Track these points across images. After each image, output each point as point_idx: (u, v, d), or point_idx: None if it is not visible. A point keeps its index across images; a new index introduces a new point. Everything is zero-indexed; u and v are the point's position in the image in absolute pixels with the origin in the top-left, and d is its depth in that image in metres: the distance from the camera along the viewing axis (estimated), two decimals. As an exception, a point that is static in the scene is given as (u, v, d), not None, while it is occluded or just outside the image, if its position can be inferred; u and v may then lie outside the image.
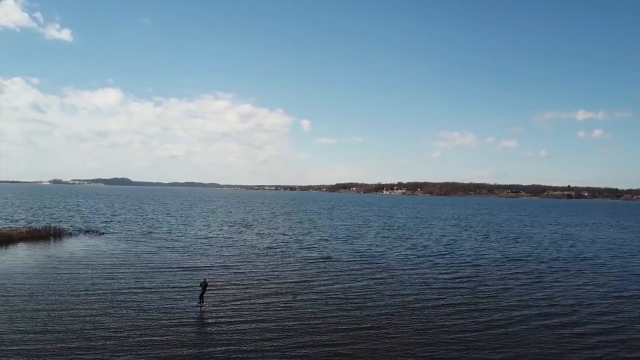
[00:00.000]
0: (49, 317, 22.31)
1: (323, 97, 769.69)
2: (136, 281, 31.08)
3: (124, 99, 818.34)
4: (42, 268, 34.56)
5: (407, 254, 47.07)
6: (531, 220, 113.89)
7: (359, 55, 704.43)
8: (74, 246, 46.35)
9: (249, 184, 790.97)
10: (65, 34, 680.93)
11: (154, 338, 19.99)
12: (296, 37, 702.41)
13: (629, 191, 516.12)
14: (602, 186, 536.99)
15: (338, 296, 28.66)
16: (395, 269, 38.44)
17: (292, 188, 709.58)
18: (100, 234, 56.62)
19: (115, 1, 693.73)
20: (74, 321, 21.83)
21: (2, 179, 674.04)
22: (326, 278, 34.13)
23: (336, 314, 24.57)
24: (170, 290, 28.92)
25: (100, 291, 27.93)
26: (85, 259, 38.81)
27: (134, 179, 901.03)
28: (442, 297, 29.11)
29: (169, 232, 60.74)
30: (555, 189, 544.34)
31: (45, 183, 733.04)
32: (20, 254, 40.89)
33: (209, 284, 25.90)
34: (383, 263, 41.32)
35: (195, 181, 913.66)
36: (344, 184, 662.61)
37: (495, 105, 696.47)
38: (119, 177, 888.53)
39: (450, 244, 56.61)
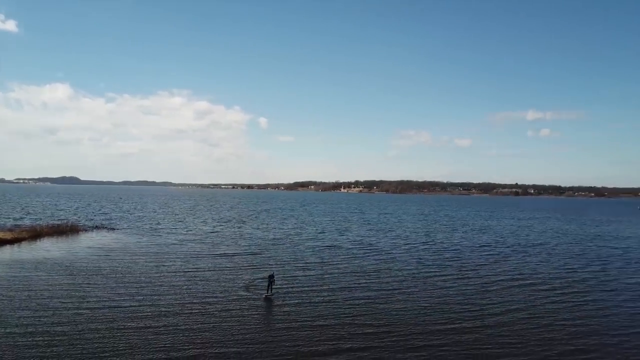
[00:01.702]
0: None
1: (282, 95, 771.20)
2: (187, 264, 37.98)
3: (73, 94, 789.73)
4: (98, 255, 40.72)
5: (395, 242, 55.74)
6: (488, 215, 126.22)
7: (318, 52, 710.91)
8: (103, 239, 52.03)
9: (205, 183, 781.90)
10: (10, 25, 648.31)
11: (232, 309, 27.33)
12: (253, 33, 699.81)
13: (571, 188, 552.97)
14: (546, 183, 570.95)
15: (356, 270, 36.66)
16: (391, 252, 46.94)
17: (249, 187, 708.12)
18: (112, 229, 61.94)
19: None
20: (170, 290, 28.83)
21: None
22: (341, 259, 42.08)
23: (361, 281, 32.61)
24: (220, 271, 36.09)
25: (158, 271, 34.76)
26: (126, 249, 45.06)
27: (83, 177, 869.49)
28: (435, 271, 37.67)
29: (174, 228, 66.69)
30: (504, 186, 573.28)
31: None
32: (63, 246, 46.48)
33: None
34: (380, 248, 49.75)
35: (148, 180, 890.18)
36: (302, 182, 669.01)
37: (450, 104, 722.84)
38: (67, 175, 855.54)
39: (427, 235, 65.91)
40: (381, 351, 19.18)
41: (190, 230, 63.32)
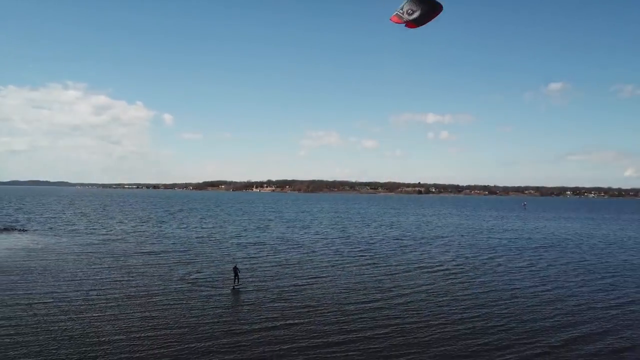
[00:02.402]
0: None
1: (188, 90, 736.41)
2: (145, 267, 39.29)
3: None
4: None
5: (314, 237, 60.24)
6: (395, 212, 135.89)
7: (226, 47, 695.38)
8: (20, 241, 50.74)
9: (107, 183, 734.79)
10: None
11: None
12: (157, 23, 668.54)
13: (468, 187, 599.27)
14: (446, 182, 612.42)
15: (281, 263, 40.32)
16: (311, 246, 51.14)
17: (155, 187, 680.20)
18: (23, 231, 59.76)
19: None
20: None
21: None
22: (267, 254, 45.45)
23: (286, 271, 36.35)
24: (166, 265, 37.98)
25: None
26: (48, 249, 44.89)
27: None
28: (351, 261, 42.39)
29: (92, 228, 65.73)
30: (408, 185, 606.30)
31: None
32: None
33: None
34: (301, 243, 53.76)
35: (41, 179, 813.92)
36: (212, 181, 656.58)
37: (357, 106, 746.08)
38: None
39: (342, 230, 71.46)
40: (310, 324, 23.04)
41: (110, 231, 62.99)
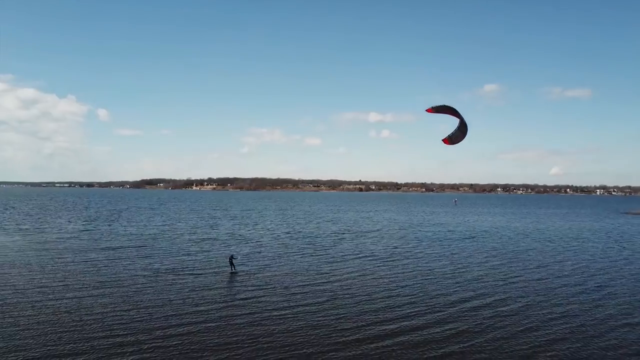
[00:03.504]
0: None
1: (124, 84, 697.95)
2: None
3: None
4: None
5: (261, 233, 65.46)
6: (337, 209, 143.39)
7: (164, 39, 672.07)
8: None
9: (36, 181, 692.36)
10: None
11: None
12: (90, 11, 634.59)
13: (406, 184, 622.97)
14: (386, 180, 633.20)
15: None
16: (259, 241, 56.41)
17: (89, 185, 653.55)
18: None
19: None
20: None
21: None
22: (218, 247, 50.25)
23: (237, 263, 41.56)
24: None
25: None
26: (3, 246, 47.41)
27: None
28: (296, 252, 48.15)
29: (40, 227, 67.39)
30: (350, 183, 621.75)
31: None
32: None
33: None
34: (249, 238, 58.92)
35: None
36: (150, 179, 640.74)
37: (301, 103, 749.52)
38: None
39: (288, 226, 76.99)
40: (257, 307, 28.59)
41: (61, 229, 65.00)
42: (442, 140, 23.86)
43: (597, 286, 33.65)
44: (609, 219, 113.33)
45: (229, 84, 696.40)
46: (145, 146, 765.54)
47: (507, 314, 26.07)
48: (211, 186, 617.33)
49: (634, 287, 33.68)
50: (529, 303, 28.37)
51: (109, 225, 72.17)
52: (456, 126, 22.92)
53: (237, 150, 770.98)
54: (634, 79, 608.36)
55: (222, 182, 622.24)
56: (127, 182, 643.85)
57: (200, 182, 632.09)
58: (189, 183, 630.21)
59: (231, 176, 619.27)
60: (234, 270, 36.68)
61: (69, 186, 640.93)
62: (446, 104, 22.68)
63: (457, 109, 22.63)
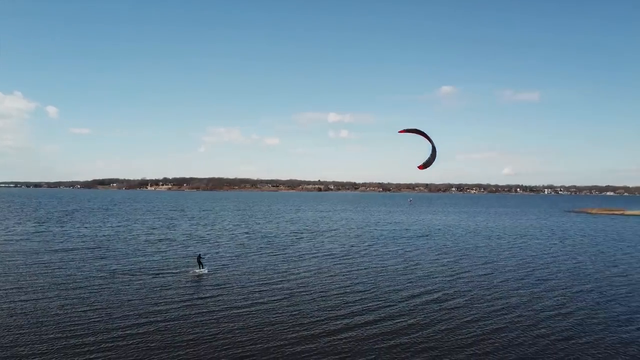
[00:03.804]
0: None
1: (75, 80, 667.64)
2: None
3: None
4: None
5: (220, 233, 65.62)
6: (296, 209, 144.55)
7: (120, 34, 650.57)
8: None
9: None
10: None
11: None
12: (33, 7, 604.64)
13: (365, 184, 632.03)
14: (345, 180, 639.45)
15: (191, 255, 45.64)
16: (217, 241, 56.66)
17: (37, 185, 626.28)
18: None
19: None
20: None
21: None
22: (176, 248, 50.25)
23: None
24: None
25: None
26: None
27: None
28: (254, 252, 48.86)
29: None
30: (309, 182, 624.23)
31: None
32: None
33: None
34: (207, 239, 59.03)
35: None
36: (102, 179, 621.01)
37: (261, 103, 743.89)
38: None
39: (246, 226, 77.33)
40: (215, 307, 29.28)
41: (10, 231, 62.93)
42: (418, 166, 29.27)
43: (537, 280, 36.15)
44: (554, 217, 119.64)
45: (187, 82, 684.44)
46: (98, 145, 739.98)
47: (453, 307, 27.82)
48: (167, 186, 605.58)
49: (570, 280, 36.39)
50: (474, 297, 30.30)
51: (62, 227, 70.32)
52: (429, 153, 27.59)
53: (194, 150, 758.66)
54: (578, 83, 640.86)
55: (178, 182, 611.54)
56: (77, 182, 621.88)
57: (156, 182, 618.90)
58: (143, 183, 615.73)
59: (188, 176, 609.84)
60: (201, 269, 37.07)
61: (15, 186, 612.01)
62: (417, 128, 27.02)
63: (426, 133, 26.82)
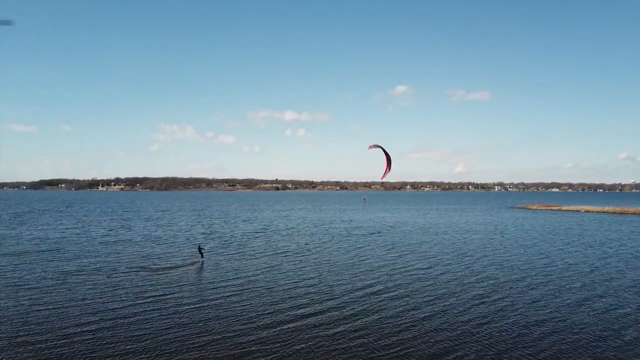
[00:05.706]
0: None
1: (16, 72, 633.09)
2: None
3: None
4: None
5: (178, 234, 66.16)
6: (254, 208, 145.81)
7: (65, 25, 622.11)
8: None
9: None
10: None
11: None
12: None
13: (321, 183, 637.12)
14: (302, 179, 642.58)
15: (149, 256, 46.46)
16: (173, 243, 57.44)
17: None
18: None
19: None
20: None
21: None
22: (134, 249, 50.82)
23: (159, 264, 42.87)
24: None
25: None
26: None
27: None
28: (215, 253, 50.13)
29: None
30: (266, 182, 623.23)
31: None
32: None
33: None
34: (164, 240, 59.64)
35: None
36: (50, 180, 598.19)
37: (213, 99, 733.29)
38: None
39: (205, 227, 78.10)
40: (167, 304, 30.73)
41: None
42: (381, 178, 41.75)
43: (472, 272, 39.37)
44: (499, 213, 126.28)
45: (136, 76, 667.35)
46: (42, 143, 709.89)
47: (393, 298, 30.36)
48: (119, 186, 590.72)
49: (503, 270, 39.88)
50: (414, 289, 32.95)
51: (12, 230, 68.93)
52: (386, 164, 37.01)
53: (146, 148, 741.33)
54: (526, 83, 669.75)
55: (131, 182, 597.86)
56: (23, 183, 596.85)
57: (107, 182, 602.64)
58: (94, 183, 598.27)
59: (140, 175, 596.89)
60: (203, 259, 42.96)
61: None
62: (380, 145, 38.11)
63: (385, 149, 35.84)
